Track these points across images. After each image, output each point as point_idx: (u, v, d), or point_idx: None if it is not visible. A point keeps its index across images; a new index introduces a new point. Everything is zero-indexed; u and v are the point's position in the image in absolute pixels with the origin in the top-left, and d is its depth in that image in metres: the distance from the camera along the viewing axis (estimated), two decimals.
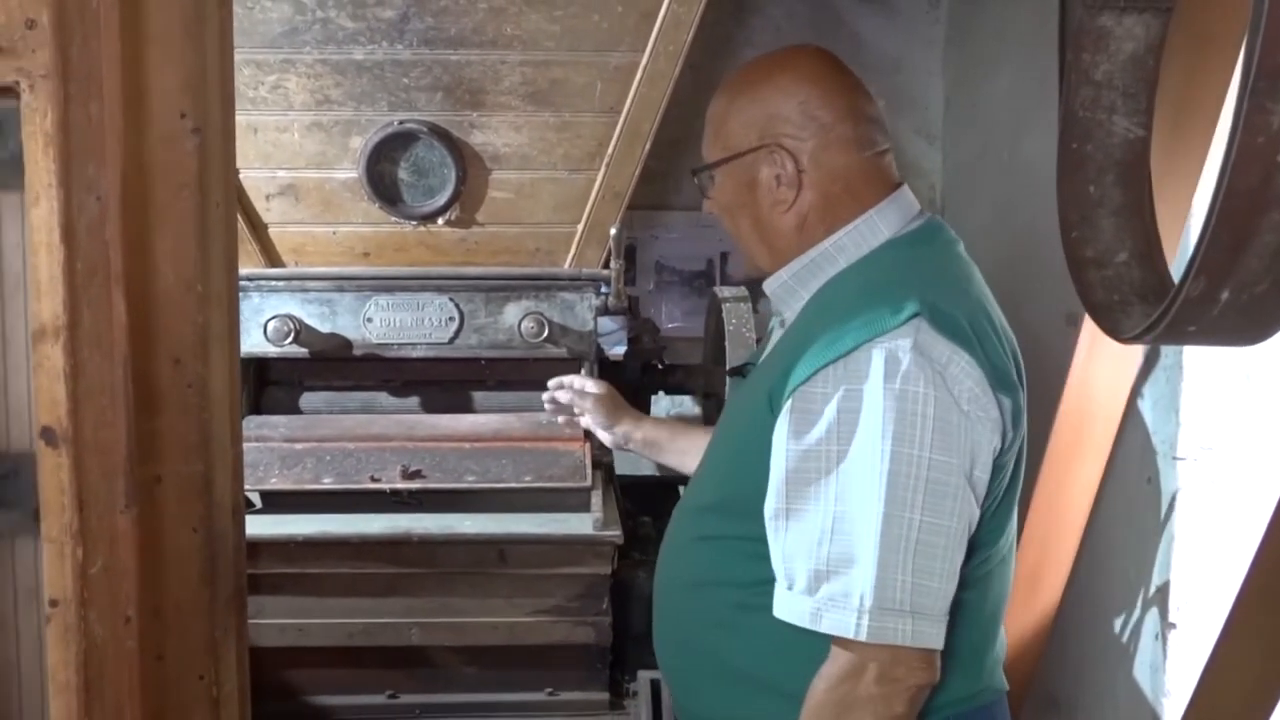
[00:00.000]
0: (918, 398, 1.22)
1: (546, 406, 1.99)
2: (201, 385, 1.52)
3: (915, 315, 1.25)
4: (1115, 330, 1.41)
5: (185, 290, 1.49)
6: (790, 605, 1.28)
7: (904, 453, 1.22)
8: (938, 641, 1.26)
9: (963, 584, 1.31)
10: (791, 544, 1.28)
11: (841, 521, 1.25)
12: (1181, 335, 1.25)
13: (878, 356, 1.24)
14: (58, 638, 1.27)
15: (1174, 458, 2.54)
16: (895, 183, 1.44)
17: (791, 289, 1.44)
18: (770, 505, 1.30)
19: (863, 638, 1.23)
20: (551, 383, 1.97)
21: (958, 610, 1.31)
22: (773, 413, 1.31)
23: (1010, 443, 1.31)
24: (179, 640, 1.52)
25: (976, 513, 1.28)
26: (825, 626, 1.25)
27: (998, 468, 1.30)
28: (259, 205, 2.47)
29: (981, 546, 1.33)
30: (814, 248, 1.40)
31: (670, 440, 1.84)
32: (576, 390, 1.94)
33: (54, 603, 1.27)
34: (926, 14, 3.96)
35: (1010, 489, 1.36)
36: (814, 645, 1.28)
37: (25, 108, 1.21)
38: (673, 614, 1.48)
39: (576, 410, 1.98)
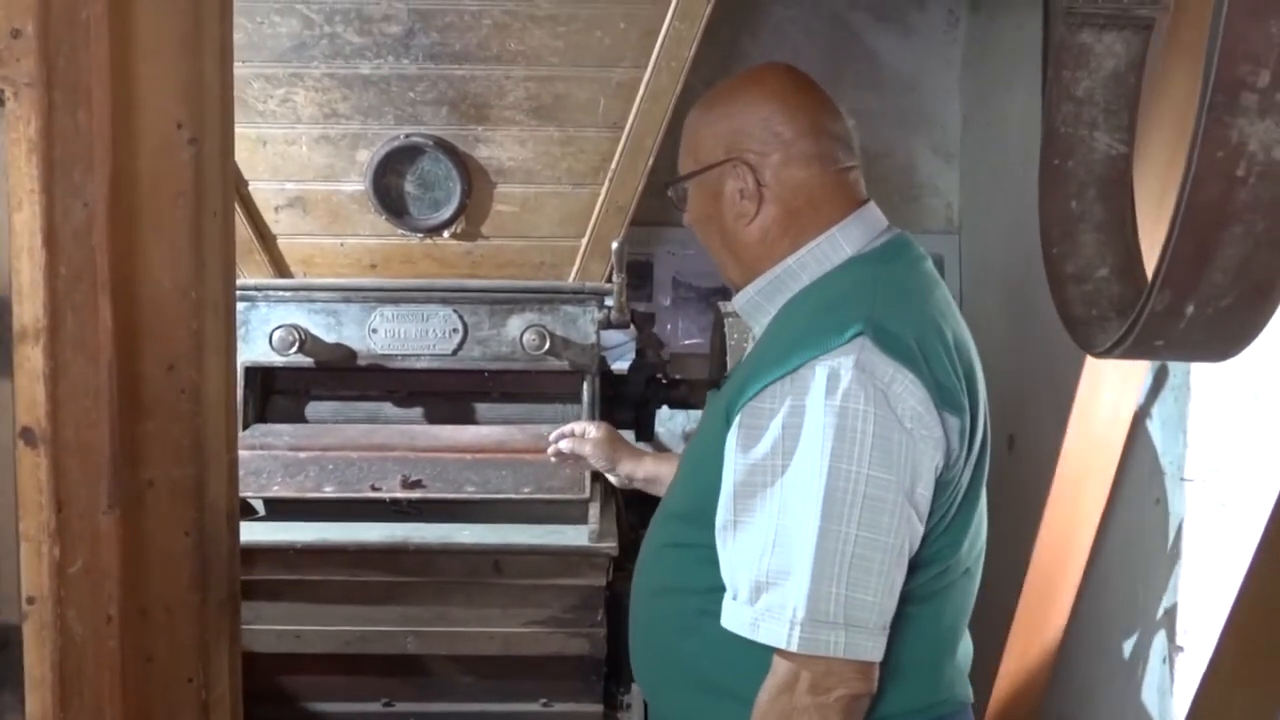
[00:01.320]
0: (858, 414, 1.24)
1: (551, 457, 2.02)
2: (195, 391, 1.54)
3: (859, 334, 1.28)
4: (1088, 345, 1.40)
5: (179, 297, 1.51)
6: (734, 615, 1.31)
7: (842, 469, 1.24)
8: (873, 654, 1.27)
9: (917, 598, 1.32)
10: (736, 555, 1.31)
11: (782, 534, 1.27)
12: (1150, 350, 1.24)
13: (820, 373, 1.27)
14: (33, 635, 1.30)
15: (1182, 479, 2.51)
16: (861, 200, 1.46)
17: (759, 304, 1.46)
18: (719, 517, 1.32)
19: (794, 648, 1.25)
20: (553, 435, 2.00)
21: (913, 623, 1.32)
22: (728, 425, 1.34)
23: (957, 460, 1.31)
24: (167, 643, 1.54)
25: (919, 529, 1.29)
26: (762, 637, 1.28)
27: (943, 485, 1.31)
28: (268, 217, 2.51)
29: (934, 561, 1.34)
30: (778, 264, 1.43)
31: (670, 476, 1.86)
32: (577, 435, 1.96)
33: (30, 600, 1.29)
34: (944, 34, 3.96)
35: (966, 506, 1.36)
36: (769, 653, 1.29)
37: (9, 115, 1.24)
38: (643, 620, 1.50)
39: (579, 454, 2.00)
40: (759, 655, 1.29)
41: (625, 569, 2.29)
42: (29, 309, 1.27)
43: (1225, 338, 1.22)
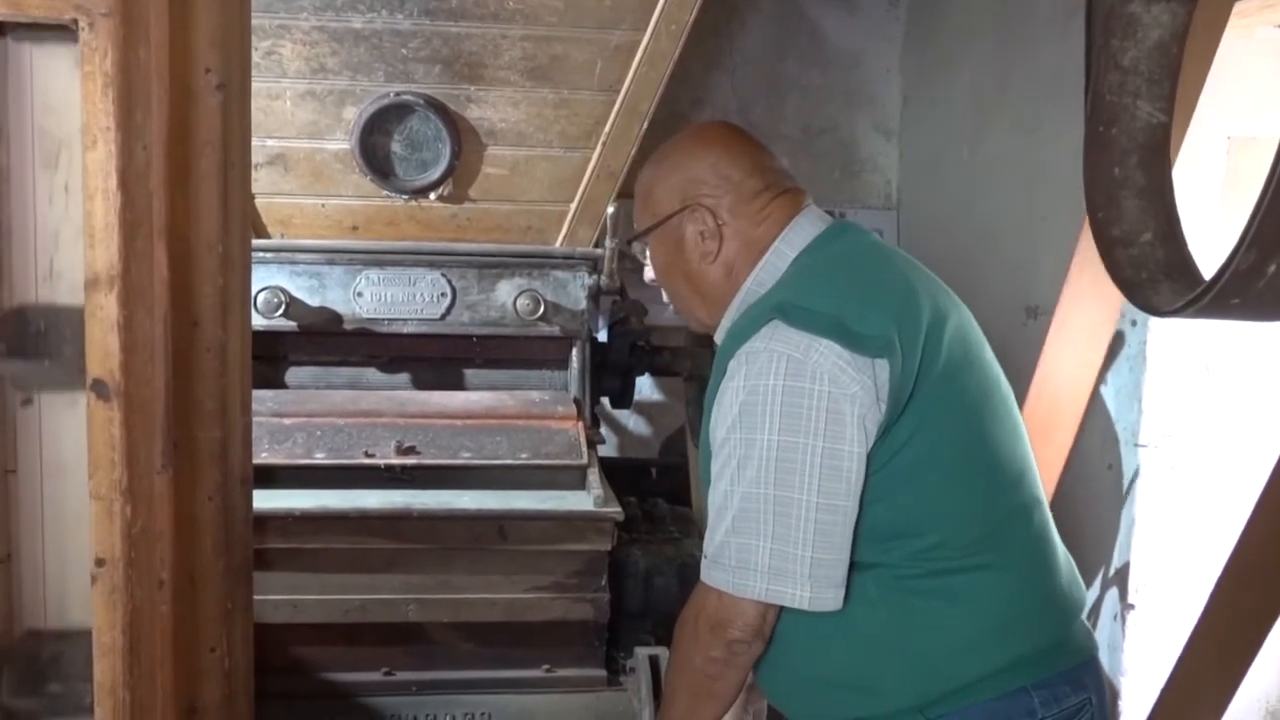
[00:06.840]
0: (765, 389, 1.36)
1: None
2: (220, 349, 1.48)
3: (770, 320, 1.39)
4: (1150, 306, 1.46)
5: (207, 251, 1.45)
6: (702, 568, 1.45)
7: (756, 439, 1.37)
8: (802, 601, 1.36)
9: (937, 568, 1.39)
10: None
11: (722, 501, 1.41)
12: (1224, 309, 1.29)
13: (736, 362, 1.40)
14: (104, 598, 1.23)
15: (1135, 444, 2.62)
16: (801, 207, 1.54)
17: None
18: None
19: (704, 579, 1.42)
20: None
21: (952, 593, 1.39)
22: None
23: (900, 393, 1.37)
24: (191, 611, 1.48)
25: (851, 479, 1.37)
26: (710, 580, 1.42)
27: (891, 418, 1.38)
28: None
29: (932, 525, 1.39)
30: (741, 289, 1.52)
31: None
32: None
33: (100, 562, 1.23)
34: (887, 12, 4.03)
35: (951, 440, 1.41)
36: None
37: (84, 46, 1.16)
38: None
39: None
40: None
41: (620, 535, 2.29)
42: (102, 255, 1.19)
43: None
